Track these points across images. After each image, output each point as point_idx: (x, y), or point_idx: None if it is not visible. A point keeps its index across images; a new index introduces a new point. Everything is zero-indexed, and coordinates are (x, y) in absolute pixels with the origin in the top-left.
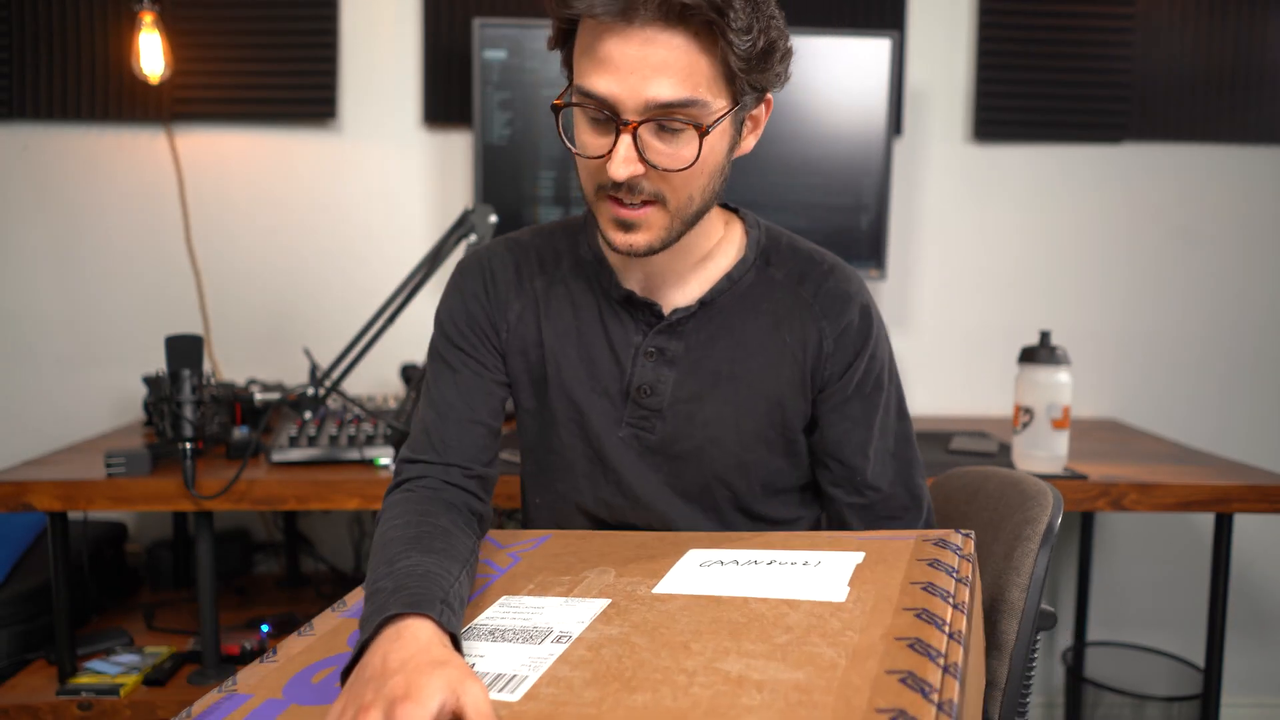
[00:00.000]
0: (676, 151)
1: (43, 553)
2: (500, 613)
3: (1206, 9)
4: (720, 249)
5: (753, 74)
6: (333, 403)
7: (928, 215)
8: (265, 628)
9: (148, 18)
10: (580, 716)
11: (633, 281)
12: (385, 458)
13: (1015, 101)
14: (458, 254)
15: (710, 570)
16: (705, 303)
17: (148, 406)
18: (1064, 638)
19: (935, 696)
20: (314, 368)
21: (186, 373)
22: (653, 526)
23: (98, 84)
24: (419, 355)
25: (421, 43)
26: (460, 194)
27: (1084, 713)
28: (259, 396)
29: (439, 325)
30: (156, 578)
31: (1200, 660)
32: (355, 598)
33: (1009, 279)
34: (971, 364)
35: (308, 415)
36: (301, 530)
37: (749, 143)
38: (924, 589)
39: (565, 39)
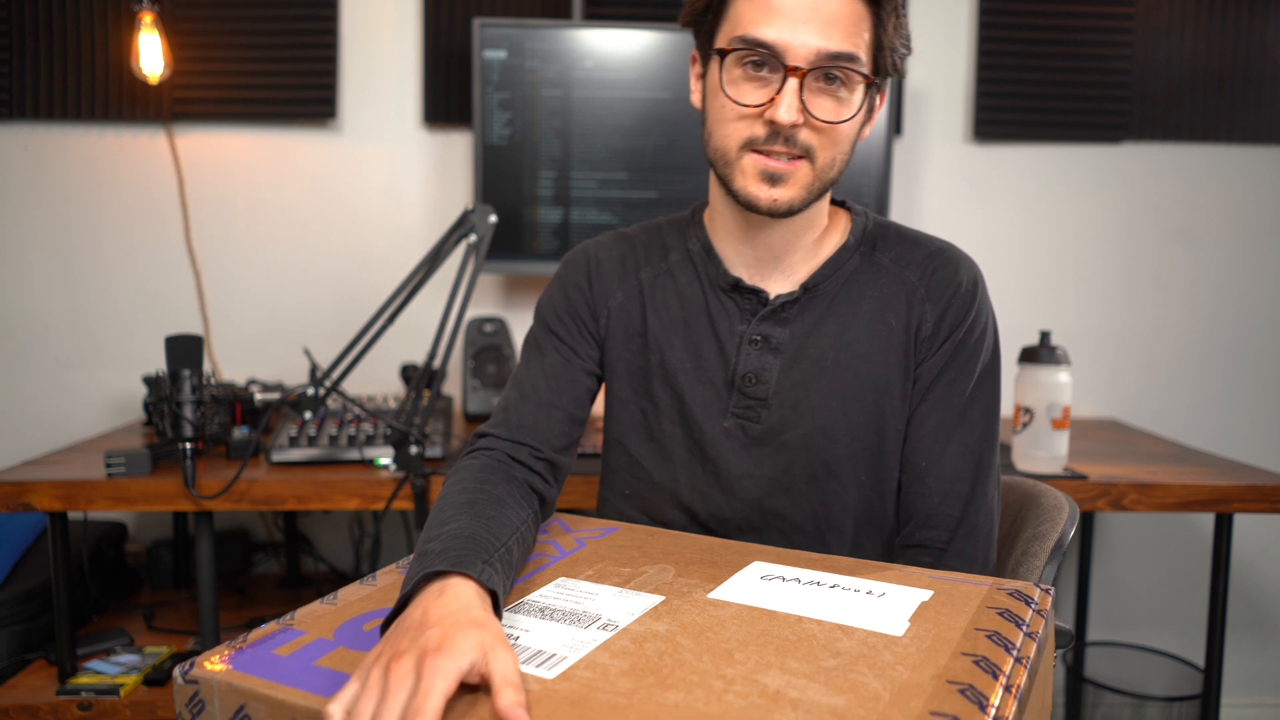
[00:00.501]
0: (837, 105)
1: (43, 553)
2: (554, 592)
3: (1206, 9)
4: (827, 237)
5: (895, 53)
6: (333, 403)
7: (928, 215)
8: None
9: (147, 18)
10: (609, 705)
11: (739, 269)
12: (385, 458)
13: (1015, 101)
14: (458, 254)
15: (770, 584)
16: (809, 288)
17: (148, 406)
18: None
19: None
20: (314, 368)
21: (186, 373)
22: (749, 521)
23: (98, 84)
24: (419, 355)
25: (421, 43)
26: (460, 194)
27: (1084, 713)
28: (259, 396)
29: (538, 313)
30: (156, 578)
31: (1200, 660)
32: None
33: (1009, 279)
34: None
35: (308, 415)
36: (301, 530)
37: (868, 131)
38: (988, 637)
39: (713, 14)
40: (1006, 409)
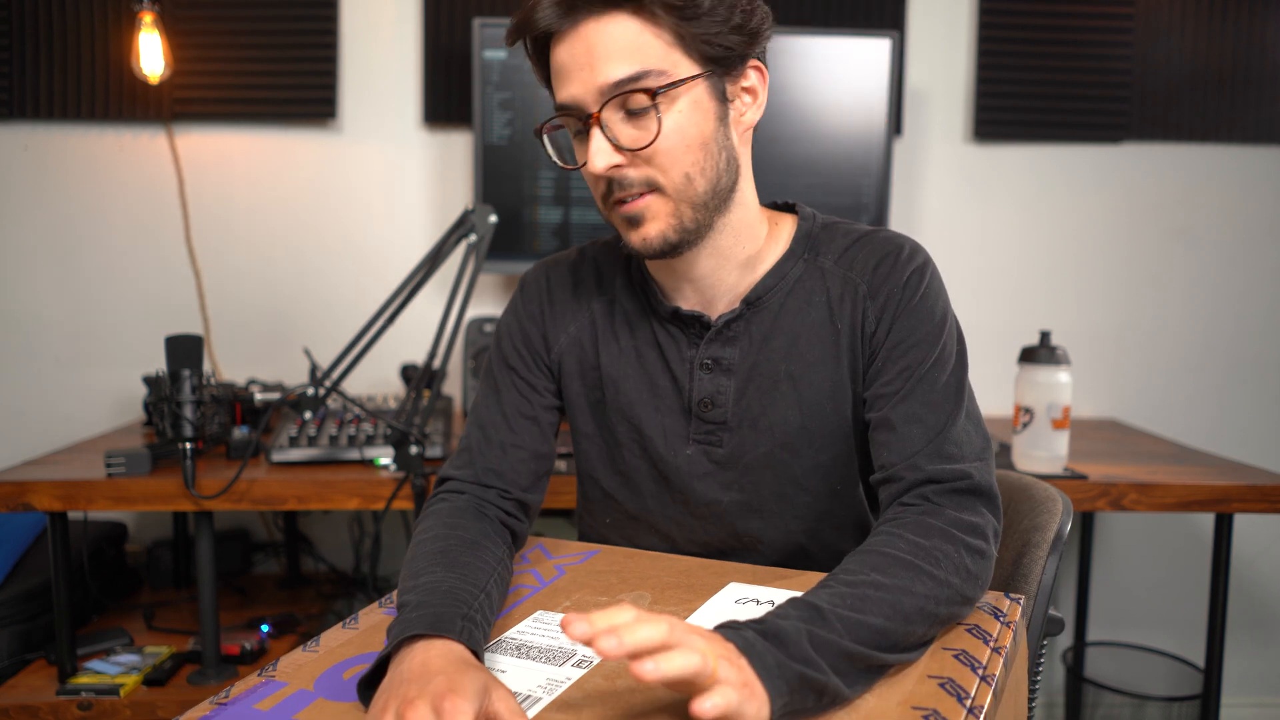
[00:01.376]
0: (644, 129)
1: (43, 553)
2: (531, 628)
3: (1206, 9)
4: (768, 249)
5: (711, 38)
6: (333, 403)
7: (928, 215)
8: (265, 628)
9: (148, 18)
10: None
11: (681, 298)
12: (385, 458)
13: (1015, 101)
14: (458, 254)
15: (744, 608)
16: (751, 302)
17: (148, 406)
18: (1064, 638)
19: None
20: (314, 368)
21: (186, 373)
22: (728, 544)
23: (98, 84)
24: (419, 355)
25: (421, 43)
26: (460, 194)
27: (1084, 713)
28: (259, 396)
29: (495, 341)
30: (156, 578)
31: (1200, 660)
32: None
33: (1009, 279)
34: (971, 364)
35: (308, 415)
36: (301, 530)
37: (750, 116)
38: (955, 656)
39: (545, 77)
40: (1006, 409)
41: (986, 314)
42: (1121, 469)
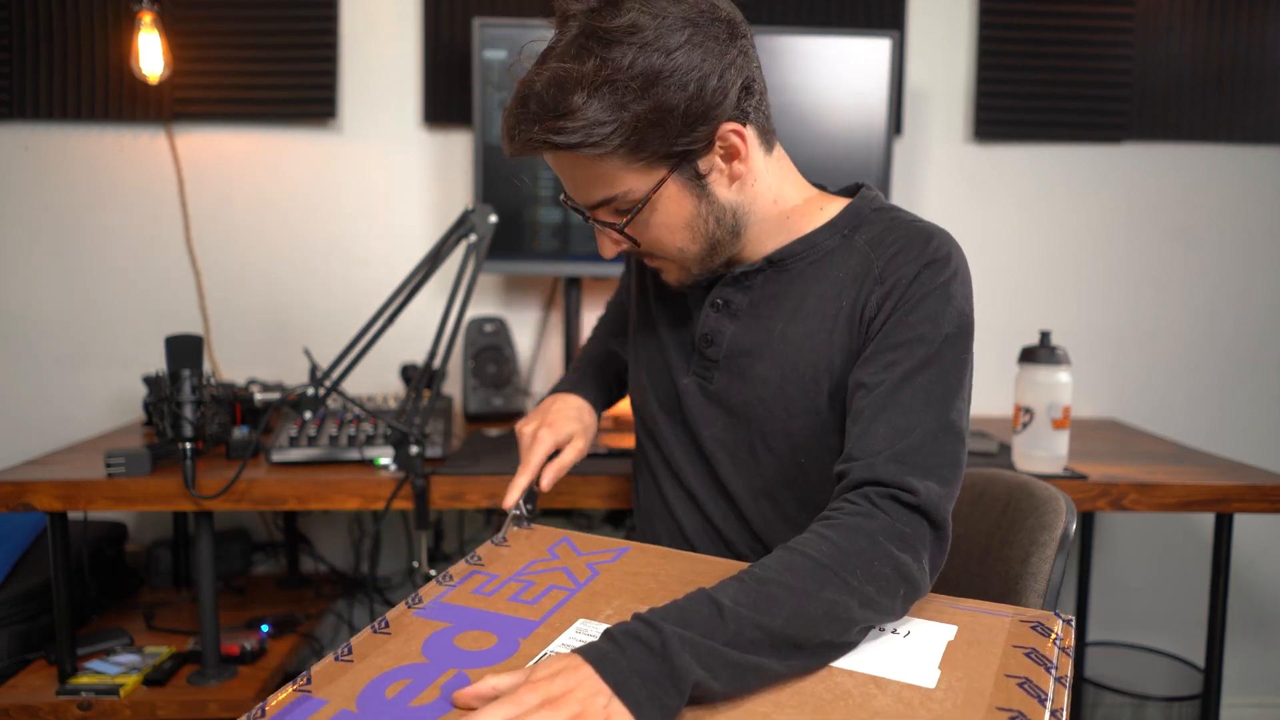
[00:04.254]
0: (647, 223)
1: (43, 553)
2: (576, 640)
3: (1206, 9)
4: (807, 222)
5: (663, 143)
6: (333, 403)
7: (928, 215)
8: (265, 628)
9: (147, 18)
10: None
11: None
12: (385, 458)
13: (1015, 101)
14: (458, 254)
15: None
16: (774, 261)
17: (148, 406)
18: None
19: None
20: (314, 368)
21: (186, 373)
22: (715, 478)
23: (98, 84)
24: (419, 355)
25: (421, 43)
26: (460, 194)
27: (1084, 713)
28: (259, 396)
29: None
30: (156, 578)
31: (1200, 660)
32: (431, 594)
33: (1009, 279)
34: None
35: (308, 415)
36: (301, 530)
37: (737, 169)
38: (1020, 685)
39: None
40: (1006, 409)
41: (986, 314)
42: (1121, 469)
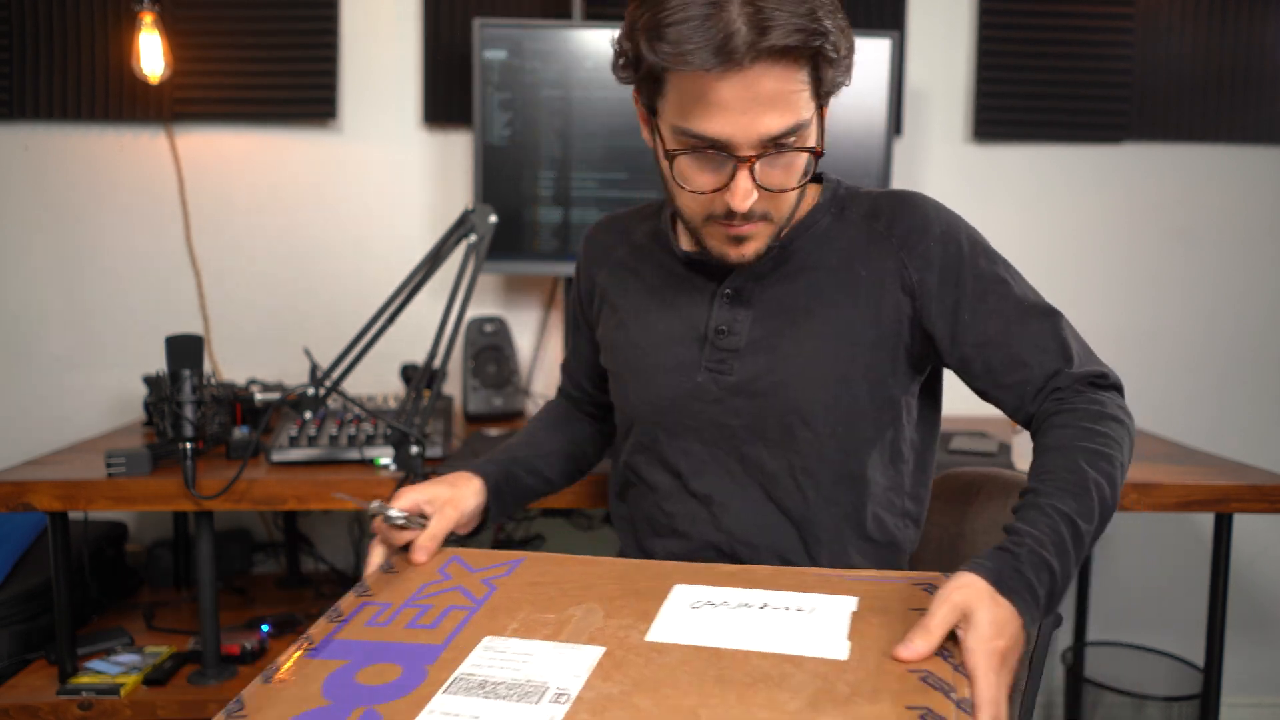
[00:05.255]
0: (787, 173)
1: (43, 552)
2: (487, 659)
3: (1206, 9)
4: (800, 207)
5: (840, 79)
6: (333, 403)
7: None
8: (265, 628)
9: (148, 18)
10: None
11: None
12: (385, 458)
13: (1015, 101)
14: (458, 254)
15: (702, 614)
16: (781, 246)
17: (148, 406)
18: (1064, 638)
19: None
20: (314, 368)
21: (187, 373)
22: (732, 474)
23: (98, 84)
24: (419, 355)
25: (421, 43)
26: (460, 194)
27: (1084, 713)
28: (259, 396)
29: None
30: (156, 578)
31: (1200, 660)
32: (322, 632)
33: None
34: None
35: (308, 415)
36: (301, 530)
37: (821, 143)
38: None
39: (652, 82)
40: None
41: None
42: None
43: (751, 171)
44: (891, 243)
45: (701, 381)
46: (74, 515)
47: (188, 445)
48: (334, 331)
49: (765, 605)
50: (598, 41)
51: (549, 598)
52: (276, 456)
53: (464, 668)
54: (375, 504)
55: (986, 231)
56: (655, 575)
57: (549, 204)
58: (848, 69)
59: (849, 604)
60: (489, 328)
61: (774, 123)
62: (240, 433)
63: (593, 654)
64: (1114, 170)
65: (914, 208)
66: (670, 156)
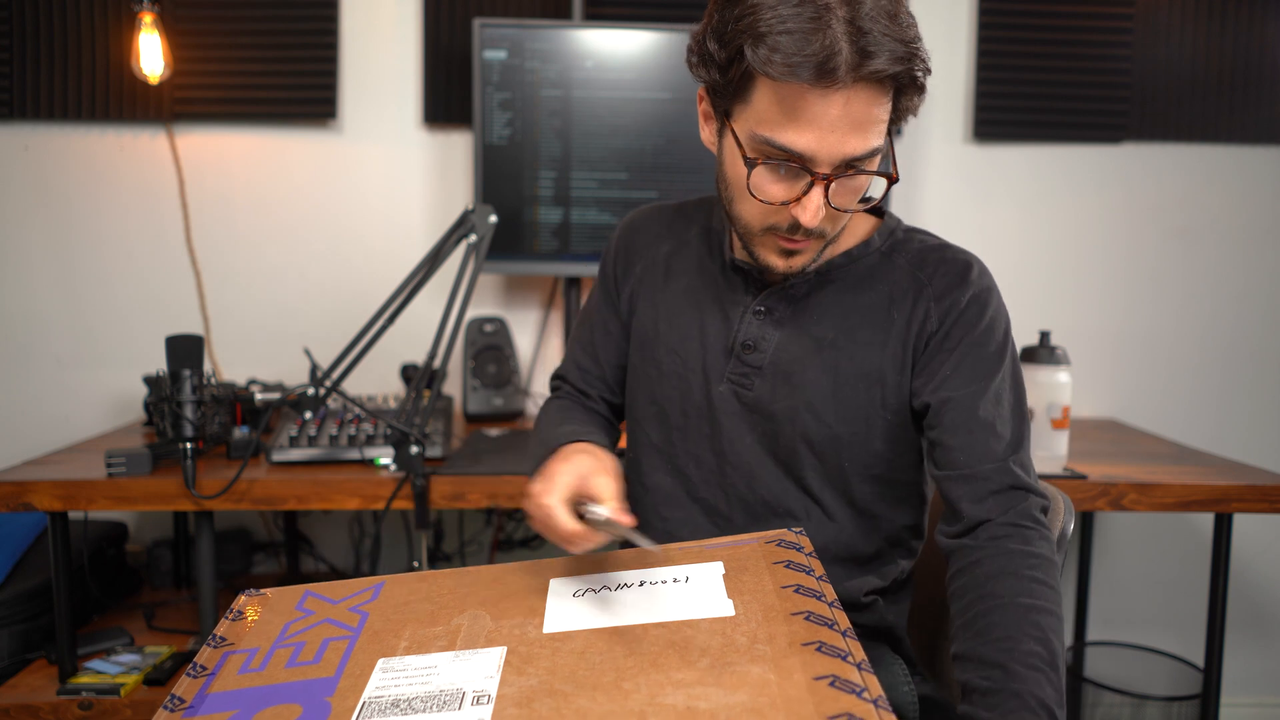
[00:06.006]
0: (853, 194)
1: (43, 552)
2: (390, 680)
3: (1206, 9)
4: (849, 231)
5: (917, 107)
6: (333, 403)
7: (928, 215)
8: None
9: (148, 18)
10: None
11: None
12: (385, 458)
13: (1015, 101)
14: (458, 254)
15: (587, 600)
16: (820, 272)
17: (148, 406)
18: (1064, 638)
19: (867, 695)
20: (314, 368)
21: (187, 373)
22: (739, 487)
23: (98, 84)
24: (419, 355)
25: (421, 43)
26: (460, 194)
27: (1084, 712)
28: (259, 396)
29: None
30: (156, 577)
31: (1200, 660)
32: (192, 690)
33: (1009, 279)
34: None
35: (308, 415)
36: (301, 530)
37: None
38: (796, 591)
39: (737, 86)
40: None
41: None
42: (1121, 469)
43: (826, 190)
44: (927, 291)
45: (722, 391)
46: (74, 515)
47: (188, 445)
48: (334, 331)
49: (643, 582)
50: (598, 41)
51: (428, 613)
52: (276, 456)
53: (369, 692)
54: (602, 513)
55: (987, 231)
56: (527, 574)
57: (549, 204)
58: (923, 100)
59: (717, 569)
60: (489, 328)
61: (858, 144)
62: (240, 433)
63: (496, 655)
64: (1114, 170)
65: (961, 266)
66: (749, 165)
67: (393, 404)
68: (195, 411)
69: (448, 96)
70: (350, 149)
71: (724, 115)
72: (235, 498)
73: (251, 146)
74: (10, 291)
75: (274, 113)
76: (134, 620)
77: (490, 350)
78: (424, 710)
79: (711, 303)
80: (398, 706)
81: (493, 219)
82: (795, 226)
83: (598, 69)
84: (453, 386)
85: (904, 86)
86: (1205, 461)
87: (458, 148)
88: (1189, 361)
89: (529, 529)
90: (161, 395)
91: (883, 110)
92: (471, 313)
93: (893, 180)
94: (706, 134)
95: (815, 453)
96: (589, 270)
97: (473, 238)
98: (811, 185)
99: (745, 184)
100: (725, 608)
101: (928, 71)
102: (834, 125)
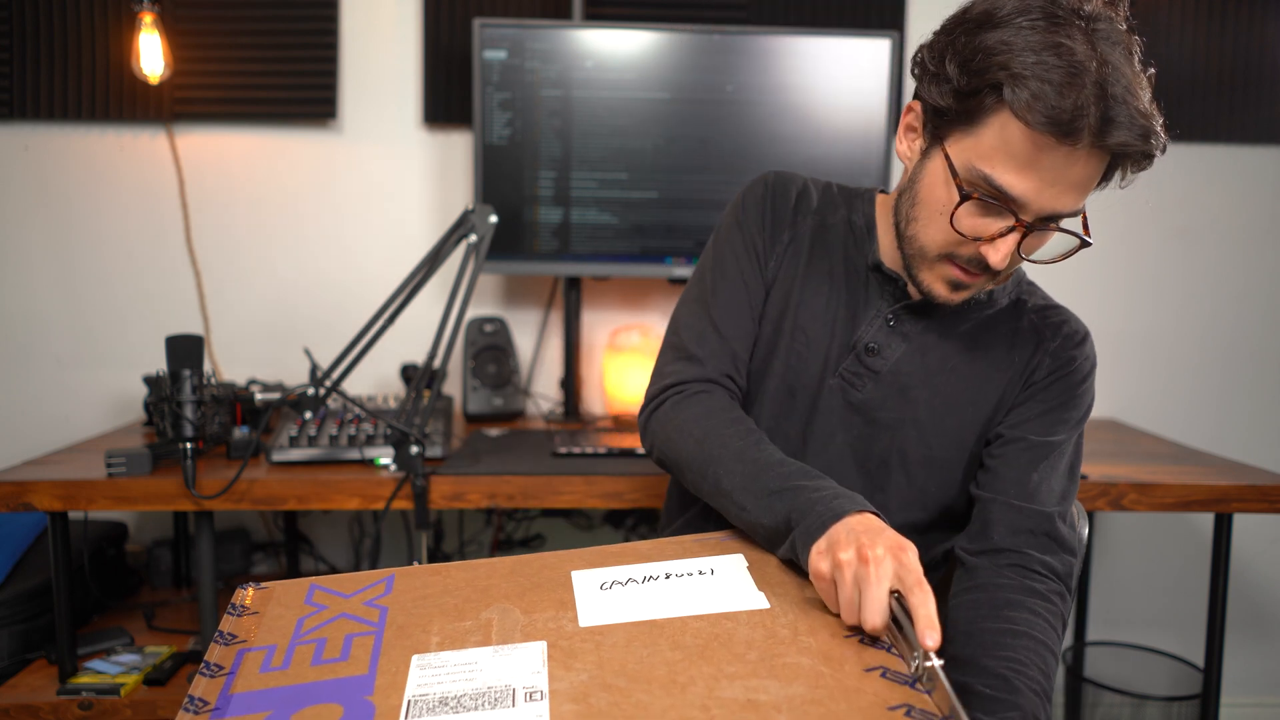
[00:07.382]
0: (1042, 243)
1: (43, 552)
2: (431, 677)
3: (1206, 9)
4: None
5: (1133, 179)
6: (333, 403)
7: None
8: None
9: (148, 18)
10: None
11: (888, 258)
12: (385, 458)
13: None
14: (458, 254)
15: (616, 593)
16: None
17: (148, 406)
18: (1064, 638)
19: (920, 687)
20: (314, 368)
21: (187, 373)
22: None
23: (98, 84)
24: (419, 355)
25: (421, 43)
26: (460, 194)
27: (1084, 712)
28: (259, 396)
29: (732, 225)
30: (156, 577)
31: (1200, 660)
32: (213, 690)
33: None
34: None
35: (308, 415)
36: (301, 530)
37: None
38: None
39: (969, 112)
40: None
41: None
42: (1121, 469)
43: (1023, 236)
44: (1046, 345)
45: (831, 385)
46: (74, 515)
47: (188, 445)
48: (334, 331)
49: (669, 575)
50: (598, 41)
51: (452, 606)
52: (276, 456)
53: (412, 690)
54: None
55: None
56: (543, 567)
57: (549, 204)
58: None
59: (740, 560)
60: (489, 328)
61: (1070, 203)
62: (240, 433)
63: (537, 650)
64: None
65: (1082, 335)
66: (963, 196)
67: (393, 404)
68: (195, 411)
69: (448, 96)
70: (350, 149)
71: (938, 137)
72: (235, 498)
73: (251, 146)
74: (10, 291)
75: (274, 113)
76: (134, 620)
77: (490, 350)
78: (475, 708)
79: (846, 296)
80: (445, 704)
81: (493, 219)
82: (977, 262)
83: (598, 69)
84: (453, 386)
85: (1131, 158)
86: (1205, 461)
87: (458, 148)
88: (1189, 361)
89: (529, 529)
90: (161, 395)
91: (1098, 173)
92: (471, 313)
93: (1085, 244)
94: (904, 146)
95: (906, 470)
96: (589, 270)
97: (473, 238)
98: (1011, 229)
99: (943, 209)
100: (758, 600)
101: (1163, 150)
102: (1056, 180)
